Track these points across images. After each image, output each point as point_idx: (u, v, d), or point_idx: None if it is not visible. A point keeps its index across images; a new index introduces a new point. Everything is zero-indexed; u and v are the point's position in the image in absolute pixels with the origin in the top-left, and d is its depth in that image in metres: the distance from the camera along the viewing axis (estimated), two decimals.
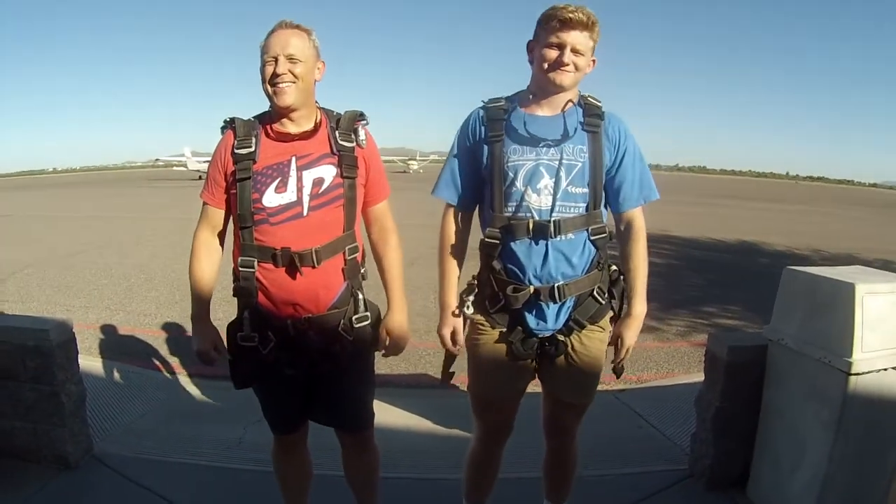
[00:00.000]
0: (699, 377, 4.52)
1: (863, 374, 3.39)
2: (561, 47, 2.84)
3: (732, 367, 4.08)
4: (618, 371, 3.35)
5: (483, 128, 3.07)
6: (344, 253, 3.03)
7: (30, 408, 4.39)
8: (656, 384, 7.07)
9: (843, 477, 3.55)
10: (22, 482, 4.30)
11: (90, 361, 7.03)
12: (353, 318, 3.10)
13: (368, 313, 3.18)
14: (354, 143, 3.04)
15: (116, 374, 6.88)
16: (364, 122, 3.12)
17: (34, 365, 4.29)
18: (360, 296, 3.15)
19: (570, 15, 2.79)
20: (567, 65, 2.85)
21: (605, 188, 3.11)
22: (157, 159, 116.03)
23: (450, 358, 3.41)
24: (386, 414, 5.53)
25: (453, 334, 3.23)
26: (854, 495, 3.63)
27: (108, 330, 8.93)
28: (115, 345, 8.37)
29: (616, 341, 3.17)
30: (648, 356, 8.11)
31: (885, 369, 3.45)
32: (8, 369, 4.33)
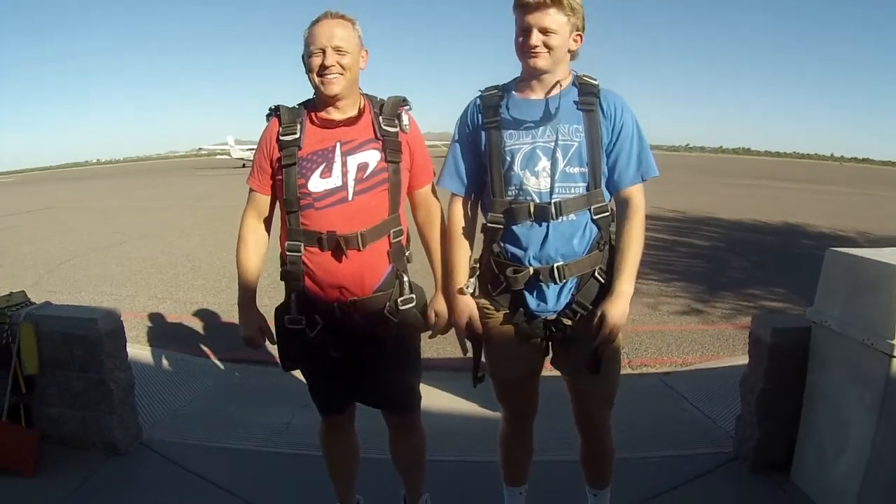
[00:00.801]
0: (744, 360, 4.51)
1: None
2: (526, 30, 2.84)
3: (776, 349, 4.07)
4: (596, 361, 3.10)
5: (479, 115, 3.09)
6: (389, 236, 3.07)
7: (78, 396, 4.48)
8: (701, 366, 7.00)
9: (887, 460, 3.52)
10: (72, 469, 4.38)
11: (138, 350, 7.08)
12: (399, 300, 3.14)
13: (414, 296, 3.21)
14: (398, 129, 3.07)
15: (164, 362, 6.96)
16: (407, 107, 3.15)
17: (82, 353, 4.38)
18: (406, 278, 3.18)
19: None
20: (535, 47, 2.83)
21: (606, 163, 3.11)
22: (200, 148, 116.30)
23: (478, 358, 3.38)
24: (432, 397, 5.54)
25: (470, 321, 3.19)
26: None
27: (156, 318, 9.03)
28: (163, 333, 8.46)
29: (599, 320, 2.99)
30: (693, 338, 8.07)
31: None
32: (56, 358, 4.43)
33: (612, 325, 2.96)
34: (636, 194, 3.10)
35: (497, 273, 3.10)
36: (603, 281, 3.09)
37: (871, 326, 3.48)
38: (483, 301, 3.23)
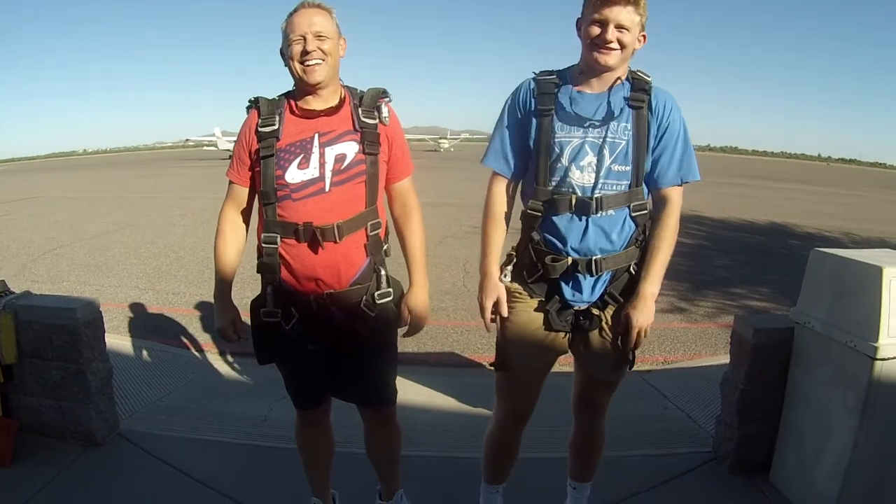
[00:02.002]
0: (726, 359, 4.51)
1: (889, 359, 3.34)
2: (603, 24, 2.78)
3: (758, 349, 4.06)
4: (631, 355, 3.22)
5: (533, 100, 3.04)
6: (366, 229, 3.04)
7: (56, 386, 4.45)
8: (683, 365, 7.05)
9: (869, 463, 3.52)
10: (49, 459, 4.36)
11: (118, 340, 7.11)
12: (376, 294, 3.12)
13: (391, 290, 3.19)
14: (377, 121, 3.04)
15: (144, 353, 6.96)
16: (387, 98, 3.12)
17: (61, 343, 4.35)
18: (383, 272, 3.16)
19: None
20: (611, 42, 2.79)
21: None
22: (187, 139, 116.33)
23: (503, 344, 3.33)
24: (411, 392, 5.57)
25: (496, 304, 3.16)
26: (879, 481, 3.60)
27: (137, 309, 9.05)
28: (144, 323, 8.47)
29: (625, 322, 3.04)
30: (675, 337, 8.11)
31: None
32: (35, 348, 4.40)
33: (639, 327, 3.00)
34: (674, 195, 3.09)
35: (535, 260, 3.08)
36: (636, 275, 3.10)
37: (854, 328, 3.47)
38: (517, 286, 3.22)
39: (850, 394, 3.51)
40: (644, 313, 3.00)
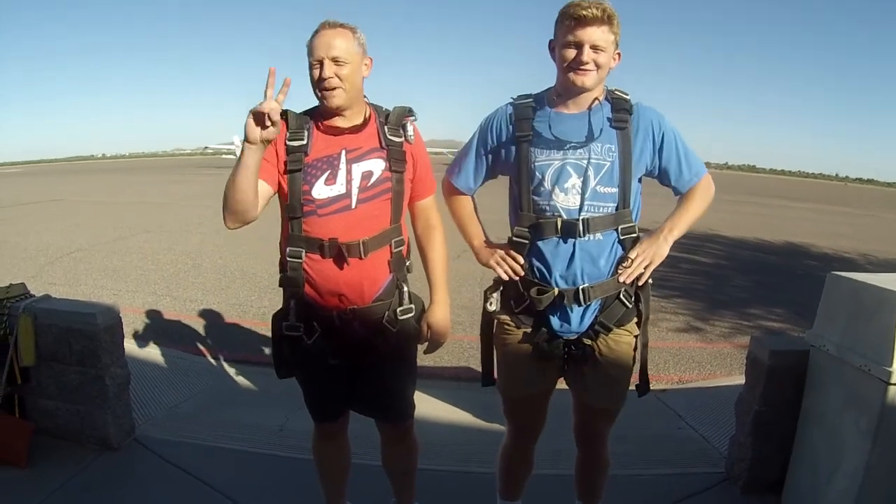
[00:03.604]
0: (741, 380, 4.50)
1: None
2: (578, 46, 2.79)
3: (774, 371, 4.06)
4: (644, 383, 3.32)
5: (511, 126, 3.06)
6: (390, 245, 3.06)
7: (74, 390, 4.49)
8: (697, 385, 7.02)
9: (881, 486, 3.50)
10: (64, 462, 4.39)
11: (135, 346, 7.15)
12: (398, 310, 3.13)
13: (413, 306, 3.21)
14: (403, 139, 3.06)
15: (161, 359, 6.97)
16: (413, 118, 3.14)
17: (80, 348, 4.39)
18: (405, 288, 3.18)
19: (584, 11, 2.73)
20: (586, 63, 2.79)
21: (658, 177, 3.11)
22: (206, 147, 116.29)
23: (489, 358, 3.41)
24: (427, 406, 5.58)
25: (508, 254, 3.13)
26: None
27: (154, 315, 9.04)
28: (161, 330, 8.46)
29: (637, 251, 3.03)
30: (691, 356, 8.06)
31: None
32: (54, 351, 4.44)
33: (641, 252, 3.03)
34: (701, 183, 3.14)
35: (521, 291, 3.09)
36: (629, 305, 3.10)
37: (869, 352, 3.46)
38: (504, 317, 3.24)
39: (863, 417, 3.50)
40: (651, 244, 3.04)
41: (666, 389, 6.57)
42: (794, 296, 11.28)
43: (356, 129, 3.03)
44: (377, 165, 2.99)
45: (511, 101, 3.13)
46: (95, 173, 61.79)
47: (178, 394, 6.01)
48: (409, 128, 3.10)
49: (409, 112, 3.14)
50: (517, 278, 3.11)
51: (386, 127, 3.06)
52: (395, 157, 3.02)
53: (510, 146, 3.06)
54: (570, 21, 2.78)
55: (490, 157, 3.18)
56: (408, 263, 3.24)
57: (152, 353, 7.13)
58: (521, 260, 3.09)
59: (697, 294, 10.79)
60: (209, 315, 9.12)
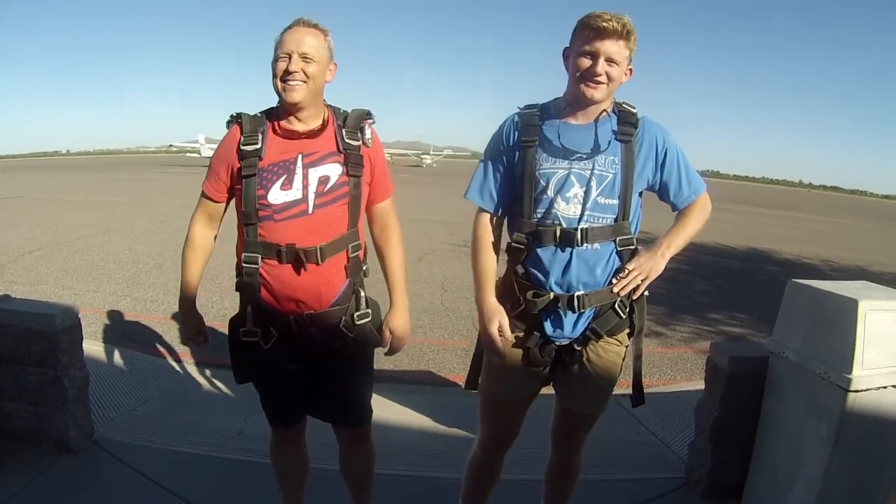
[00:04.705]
0: (701, 385, 4.53)
1: (862, 391, 3.38)
2: (594, 57, 2.78)
3: (733, 377, 4.09)
4: (639, 394, 3.42)
5: (517, 132, 3.04)
6: (347, 250, 3.05)
7: (33, 391, 4.44)
8: (658, 390, 7.04)
9: (840, 493, 3.55)
10: (23, 464, 4.34)
11: (95, 346, 7.09)
12: (355, 315, 3.12)
13: (370, 311, 3.19)
14: (360, 142, 3.06)
15: (121, 360, 6.93)
16: (371, 120, 3.13)
17: (39, 349, 4.34)
18: (362, 293, 3.17)
19: (605, 24, 2.72)
20: (600, 75, 2.79)
21: (658, 192, 3.14)
22: (170, 145, 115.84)
23: (478, 362, 3.39)
24: (386, 410, 5.55)
25: (501, 331, 3.08)
26: None
27: (115, 315, 8.98)
28: (121, 330, 8.42)
29: (631, 263, 3.04)
30: (651, 361, 8.08)
31: (885, 387, 3.44)
32: (13, 352, 4.39)
33: (637, 265, 3.03)
34: (698, 202, 3.17)
35: (517, 294, 3.08)
36: (622, 315, 3.11)
37: (829, 360, 3.50)
38: None
39: (822, 424, 3.54)
40: (649, 259, 3.05)
41: (626, 394, 6.51)
42: (756, 301, 11.40)
43: (313, 134, 3.02)
44: (334, 170, 2.98)
45: (518, 110, 3.13)
46: (58, 170, 61.19)
47: (138, 396, 5.97)
48: (368, 131, 3.09)
49: (367, 115, 3.13)
50: (501, 339, 3.08)
51: (344, 130, 3.05)
52: (353, 162, 3.01)
53: (516, 151, 3.05)
54: (588, 31, 2.78)
55: (503, 165, 3.14)
56: (364, 268, 3.24)
57: (112, 354, 7.09)
58: (510, 338, 3.10)
59: (659, 299, 10.83)
60: (170, 316, 9.05)
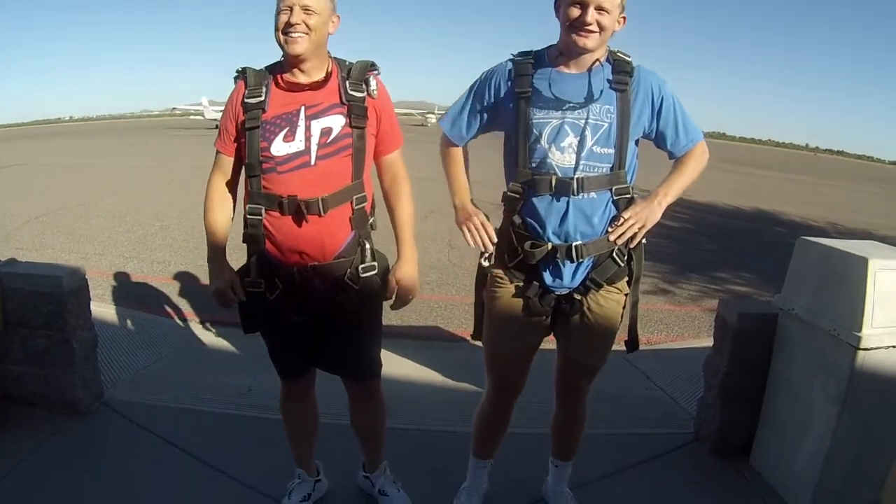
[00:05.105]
0: (709, 342, 4.55)
1: (871, 349, 3.37)
2: (583, 6, 2.73)
3: (742, 333, 4.09)
4: (633, 340, 3.35)
5: (510, 83, 3.02)
6: (351, 202, 3.04)
7: (41, 354, 4.44)
8: (666, 346, 7.11)
9: (848, 451, 3.55)
10: (34, 428, 4.36)
11: (103, 308, 7.11)
12: (360, 267, 3.11)
13: (375, 263, 3.19)
14: (365, 93, 3.03)
15: (129, 322, 6.95)
16: (375, 71, 3.10)
17: (46, 311, 4.34)
18: (368, 245, 3.16)
19: None
20: (590, 24, 2.74)
21: (654, 140, 3.11)
22: (174, 108, 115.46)
23: (480, 310, 3.41)
24: (395, 366, 5.58)
25: (483, 225, 3.12)
26: (858, 469, 3.64)
27: (122, 277, 9.02)
28: (129, 292, 8.45)
29: (627, 212, 3.02)
30: (659, 318, 8.17)
31: (894, 346, 3.43)
32: (20, 315, 4.39)
33: (633, 214, 3.00)
34: (695, 150, 3.14)
35: (515, 245, 3.07)
36: (621, 263, 3.10)
37: (838, 317, 3.48)
38: (497, 271, 3.22)
39: (831, 382, 3.53)
40: (645, 207, 3.03)
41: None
42: (763, 261, 11.43)
43: (317, 86, 3.00)
44: (337, 121, 2.96)
45: (511, 57, 3.10)
46: (62, 136, 61.04)
47: (147, 356, 5.99)
48: (372, 81, 3.06)
49: (371, 66, 3.10)
50: (487, 251, 3.14)
51: (348, 82, 3.02)
52: (356, 113, 2.99)
53: (508, 102, 3.03)
54: None
55: (486, 111, 3.15)
56: (371, 220, 3.22)
57: (120, 315, 7.10)
58: (494, 237, 3.10)
59: (666, 257, 10.84)
60: (177, 276, 9.10)
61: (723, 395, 4.21)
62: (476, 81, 3.19)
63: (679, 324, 8.06)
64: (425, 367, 5.85)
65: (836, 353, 3.48)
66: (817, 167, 71.19)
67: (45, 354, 4.44)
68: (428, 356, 6.04)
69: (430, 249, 10.27)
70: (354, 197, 3.04)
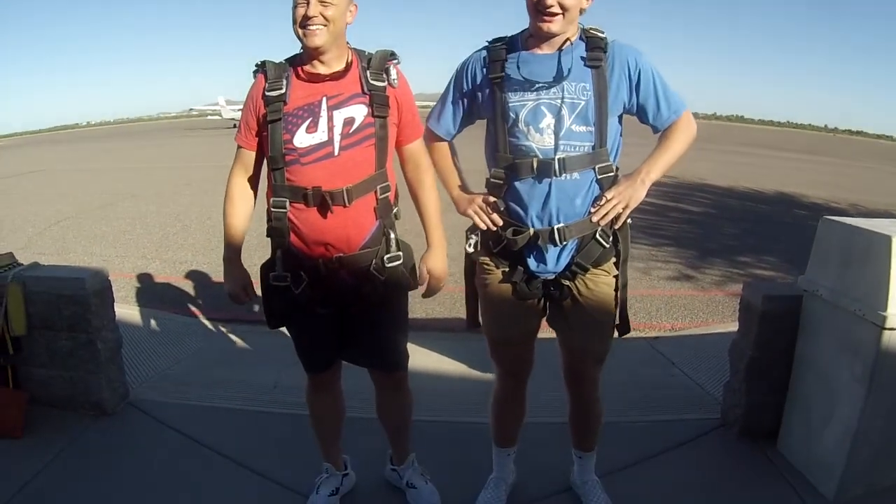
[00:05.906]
0: (734, 327, 4.52)
1: None
2: None
3: (767, 316, 4.06)
4: (624, 323, 3.29)
5: (485, 69, 3.04)
6: (375, 192, 3.04)
7: (66, 356, 4.47)
8: (691, 332, 7.04)
9: (874, 432, 3.52)
10: (60, 430, 4.38)
11: (126, 310, 7.11)
12: (385, 257, 3.11)
13: (401, 253, 3.18)
14: (386, 83, 3.02)
15: (152, 322, 6.97)
16: (396, 61, 3.10)
17: (69, 313, 4.36)
18: (393, 235, 3.15)
19: None
20: (551, 6, 2.73)
21: (636, 114, 3.08)
22: (191, 109, 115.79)
23: (473, 299, 3.45)
24: (421, 357, 5.59)
25: (487, 203, 3.14)
26: (886, 451, 3.62)
27: (144, 278, 9.05)
28: (152, 293, 8.49)
29: (611, 191, 3.01)
30: (683, 304, 8.11)
31: None
32: (44, 319, 4.41)
33: (615, 194, 2.99)
34: (680, 121, 3.09)
35: (498, 231, 3.09)
36: (606, 245, 3.07)
37: (863, 297, 3.45)
38: (484, 258, 3.24)
39: (857, 363, 3.50)
40: (628, 186, 3.00)
41: (658, 337, 6.59)
42: (785, 244, 11.35)
43: (337, 76, 2.99)
44: (359, 111, 2.96)
45: (486, 44, 3.11)
46: (80, 142, 61.23)
47: (172, 356, 6.01)
48: (393, 71, 3.05)
49: (391, 55, 3.10)
50: (495, 228, 3.12)
51: (368, 72, 3.01)
52: (378, 102, 2.98)
53: (485, 89, 3.05)
54: None
55: (466, 100, 3.17)
56: (395, 210, 3.21)
57: (143, 316, 7.13)
58: (501, 207, 3.10)
59: (688, 242, 10.82)
60: (199, 276, 9.16)
61: (749, 378, 4.19)
62: (453, 75, 3.22)
63: (703, 309, 8.01)
64: (450, 358, 5.86)
65: (862, 333, 3.45)
66: (837, 148, 70.64)
67: (70, 356, 4.46)
68: (451, 348, 6.03)
69: (451, 241, 10.05)
70: (378, 186, 3.04)
